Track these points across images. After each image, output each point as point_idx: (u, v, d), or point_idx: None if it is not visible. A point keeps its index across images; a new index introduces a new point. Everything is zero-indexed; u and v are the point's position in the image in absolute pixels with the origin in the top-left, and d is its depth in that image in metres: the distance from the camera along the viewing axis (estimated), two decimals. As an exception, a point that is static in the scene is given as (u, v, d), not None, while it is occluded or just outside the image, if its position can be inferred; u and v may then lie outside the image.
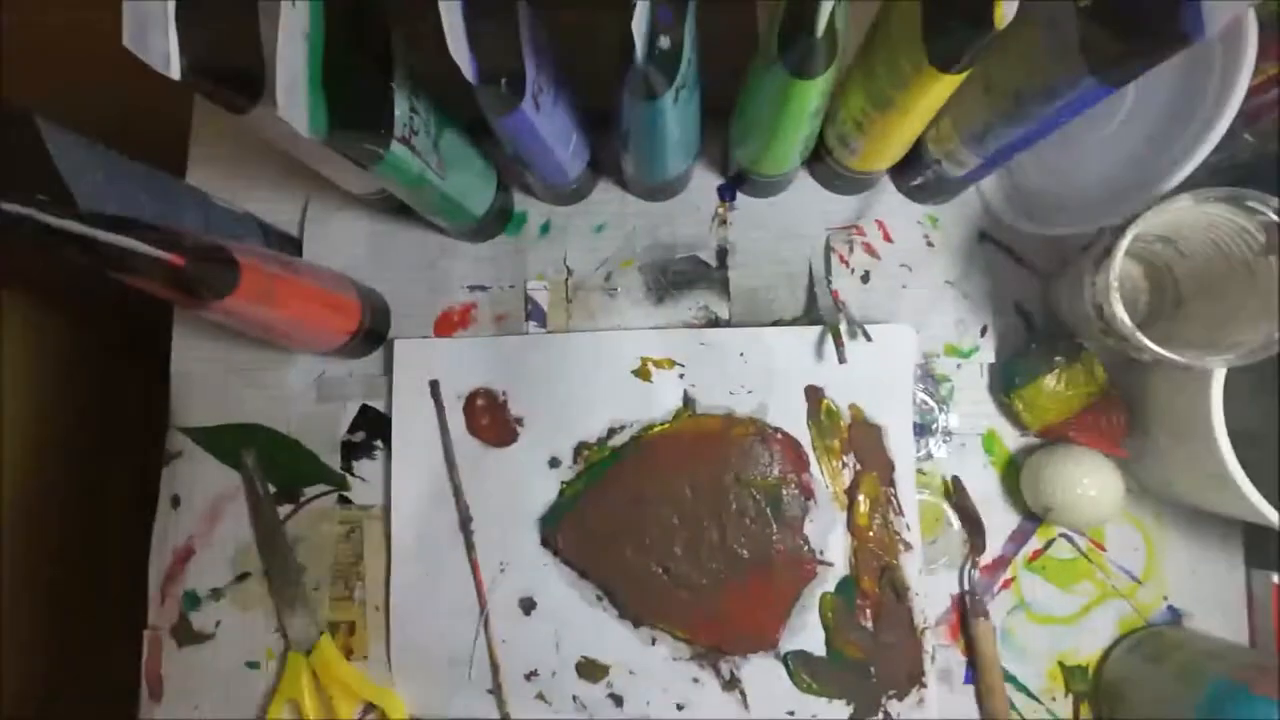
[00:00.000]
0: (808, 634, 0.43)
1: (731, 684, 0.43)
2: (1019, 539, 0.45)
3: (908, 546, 0.44)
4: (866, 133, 0.38)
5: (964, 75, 0.32)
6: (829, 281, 0.46)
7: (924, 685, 0.43)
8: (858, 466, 0.44)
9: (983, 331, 0.46)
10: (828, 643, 0.43)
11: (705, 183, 0.47)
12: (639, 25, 0.28)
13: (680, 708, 0.43)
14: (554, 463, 0.45)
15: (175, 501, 0.45)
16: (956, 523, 0.45)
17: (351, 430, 0.46)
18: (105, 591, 0.56)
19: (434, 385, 0.45)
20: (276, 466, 0.45)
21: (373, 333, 0.44)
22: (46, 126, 0.32)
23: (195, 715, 0.44)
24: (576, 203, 0.47)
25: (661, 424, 0.45)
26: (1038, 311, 0.46)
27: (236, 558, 0.45)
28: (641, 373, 0.45)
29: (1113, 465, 0.42)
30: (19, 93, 0.32)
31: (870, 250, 0.47)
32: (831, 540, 0.44)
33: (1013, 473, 0.45)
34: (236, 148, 0.47)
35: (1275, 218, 0.34)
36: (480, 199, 0.43)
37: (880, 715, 0.42)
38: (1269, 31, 0.40)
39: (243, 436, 0.45)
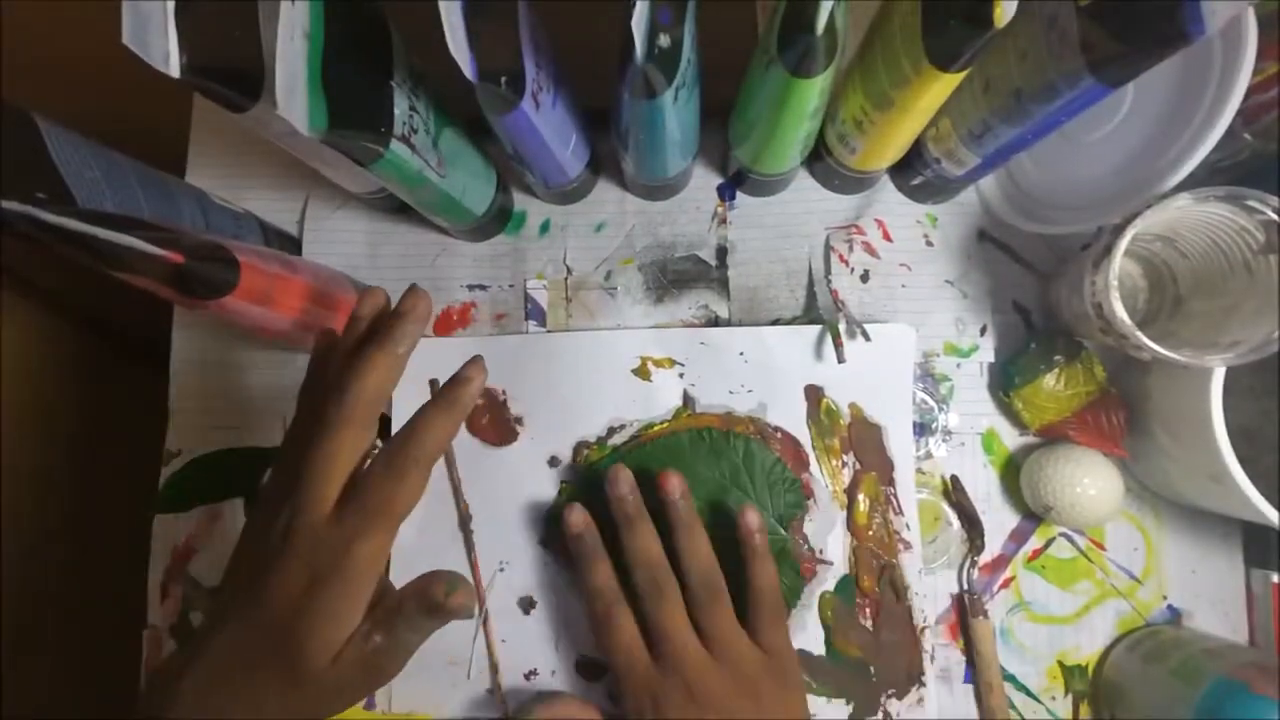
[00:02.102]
0: (807, 633, 0.43)
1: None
2: (1018, 538, 0.45)
3: (907, 546, 0.44)
4: (866, 132, 0.38)
5: (964, 75, 0.32)
6: (829, 281, 0.46)
7: (923, 684, 0.43)
8: (857, 466, 0.44)
9: (982, 331, 0.46)
10: (827, 642, 0.43)
11: (705, 182, 0.47)
12: (639, 25, 0.28)
13: (680, 707, 0.43)
14: (554, 462, 0.45)
15: (175, 501, 0.45)
16: (956, 522, 0.45)
17: (351, 430, 0.45)
18: (105, 591, 0.56)
19: (434, 384, 0.45)
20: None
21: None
22: (46, 126, 0.32)
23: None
24: (576, 202, 0.47)
25: (661, 423, 0.45)
26: (1037, 310, 0.46)
27: (236, 557, 0.45)
28: (641, 372, 0.45)
29: (1113, 465, 0.42)
30: (19, 93, 0.32)
31: (870, 250, 0.47)
32: (831, 540, 0.44)
33: (1012, 472, 0.45)
34: (236, 147, 0.47)
35: (1275, 217, 0.34)
36: (480, 198, 0.43)
37: (880, 714, 0.42)
38: (1269, 31, 0.40)
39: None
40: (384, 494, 0.29)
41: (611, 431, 0.45)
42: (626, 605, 0.38)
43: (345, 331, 0.34)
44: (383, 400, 0.31)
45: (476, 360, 0.32)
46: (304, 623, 0.28)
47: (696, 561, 0.39)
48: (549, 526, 0.44)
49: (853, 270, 0.47)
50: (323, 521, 0.29)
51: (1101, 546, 0.44)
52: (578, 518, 0.41)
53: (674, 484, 0.40)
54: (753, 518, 0.40)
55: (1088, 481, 0.41)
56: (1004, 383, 0.44)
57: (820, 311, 0.46)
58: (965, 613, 0.43)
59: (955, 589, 0.44)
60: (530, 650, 0.43)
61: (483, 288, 0.47)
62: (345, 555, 0.28)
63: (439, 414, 0.31)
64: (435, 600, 0.29)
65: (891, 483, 0.44)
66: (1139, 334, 0.35)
